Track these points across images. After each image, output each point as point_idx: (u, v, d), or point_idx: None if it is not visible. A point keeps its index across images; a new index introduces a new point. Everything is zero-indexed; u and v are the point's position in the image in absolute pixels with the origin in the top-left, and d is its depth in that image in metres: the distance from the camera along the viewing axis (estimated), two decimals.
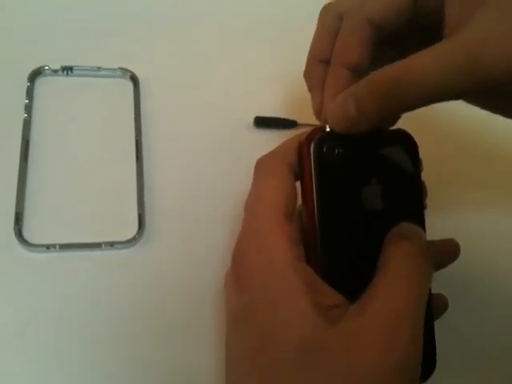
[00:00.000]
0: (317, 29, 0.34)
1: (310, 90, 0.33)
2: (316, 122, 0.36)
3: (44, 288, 0.37)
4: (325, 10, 0.34)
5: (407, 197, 0.30)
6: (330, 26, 0.33)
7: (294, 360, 0.24)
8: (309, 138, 0.29)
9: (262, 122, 0.46)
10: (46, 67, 0.45)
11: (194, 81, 0.47)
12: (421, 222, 0.30)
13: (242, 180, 0.42)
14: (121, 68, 0.46)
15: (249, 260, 0.27)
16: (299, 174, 0.29)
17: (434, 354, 0.30)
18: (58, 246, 0.37)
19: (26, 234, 0.38)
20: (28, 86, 0.44)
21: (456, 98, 0.28)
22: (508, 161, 0.48)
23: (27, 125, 0.42)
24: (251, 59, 0.49)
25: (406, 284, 0.26)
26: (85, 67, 0.45)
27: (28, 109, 0.43)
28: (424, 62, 0.27)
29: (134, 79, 0.46)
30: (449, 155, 0.47)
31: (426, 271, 0.27)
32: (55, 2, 0.49)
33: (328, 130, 0.29)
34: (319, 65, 0.33)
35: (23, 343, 0.35)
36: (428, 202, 0.32)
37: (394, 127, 0.31)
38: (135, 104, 0.45)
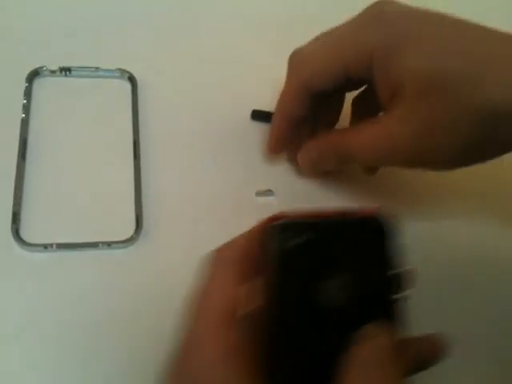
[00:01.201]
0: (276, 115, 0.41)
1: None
2: None
3: (41, 288, 0.37)
4: (290, 59, 0.39)
5: (374, 290, 0.27)
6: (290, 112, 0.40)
7: None
8: (267, 226, 0.26)
9: (259, 116, 0.46)
10: (44, 68, 0.45)
11: (192, 81, 0.47)
12: (392, 318, 0.27)
13: (240, 178, 0.43)
14: (119, 69, 0.46)
15: (182, 370, 0.26)
16: (254, 267, 0.27)
17: None
18: (55, 246, 0.37)
19: (24, 234, 0.38)
20: (26, 87, 0.44)
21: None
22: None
23: (25, 125, 0.42)
24: (249, 58, 0.49)
25: None
26: (83, 68, 0.45)
27: (26, 109, 0.43)
28: (360, 145, 0.36)
29: (132, 80, 0.46)
30: None
31: (398, 379, 0.25)
32: (54, 3, 0.49)
33: (287, 216, 0.27)
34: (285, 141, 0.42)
35: (20, 343, 0.35)
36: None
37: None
38: (133, 104, 0.45)
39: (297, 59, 0.38)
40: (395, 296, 0.27)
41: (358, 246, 0.27)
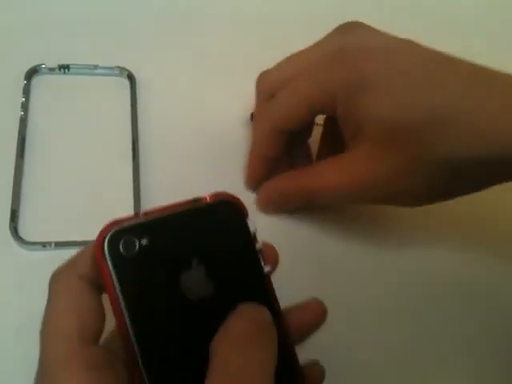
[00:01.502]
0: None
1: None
2: None
3: (40, 286, 0.36)
4: (258, 87, 0.40)
5: (239, 270, 0.26)
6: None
7: None
8: (101, 236, 0.25)
9: None
10: (43, 65, 0.45)
11: (191, 79, 0.47)
12: (263, 293, 0.27)
13: (239, 177, 0.43)
14: (118, 66, 0.46)
15: None
16: (102, 283, 0.25)
17: None
18: (53, 244, 0.37)
19: (22, 232, 0.38)
20: (24, 84, 0.44)
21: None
22: None
23: (23, 123, 0.42)
24: (249, 57, 0.49)
25: (237, 376, 0.23)
26: (81, 65, 0.45)
27: (24, 107, 0.43)
28: (322, 186, 0.36)
29: (131, 77, 0.46)
30: None
31: (264, 359, 0.24)
32: (52, 0, 0.49)
33: (121, 221, 0.25)
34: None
35: (19, 342, 0.34)
36: None
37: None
38: (132, 102, 0.44)
39: (264, 93, 0.39)
40: (261, 272, 0.27)
41: (212, 230, 0.26)
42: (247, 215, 0.27)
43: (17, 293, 0.36)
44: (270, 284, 0.27)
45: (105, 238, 0.25)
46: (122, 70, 0.46)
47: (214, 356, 0.23)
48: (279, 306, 0.28)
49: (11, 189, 0.39)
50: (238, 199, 0.27)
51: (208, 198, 0.27)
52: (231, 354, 0.23)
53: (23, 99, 0.43)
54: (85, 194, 0.40)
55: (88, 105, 0.44)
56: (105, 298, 0.26)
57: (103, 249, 0.24)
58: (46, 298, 0.35)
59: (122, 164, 0.42)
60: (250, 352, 0.23)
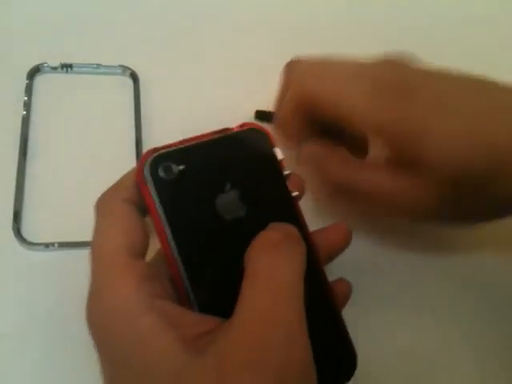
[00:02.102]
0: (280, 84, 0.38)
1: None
2: None
3: (43, 287, 0.36)
4: (286, 68, 0.38)
5: (270, 194, 0.28)
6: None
7: None
8: (142, 162, 0.27)
9: (262, 116, 0.45)
10: (46, 64, 0.44)
11: (195, 77, 0.47)
12: (292, 216, 0.28)
13: None
14: (121, 65, 0.45)
15: (97, 315, 0.25)
16: (145, 205, 0.27)
17: (350, 348, 0.28)
18: (56, 245, 0.37)
19: (25, 233, 0.37)
20: (27, 84, 0.43)
21: None
22: None
23: (26, 122, 0.42)
24: (252, 55, 0.49)
25: (270, 281, 0.24)
26: (84, 64, 0.45)
27: (27, 106, 0.42)
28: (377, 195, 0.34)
29: (134, 76, 0.45)
30: None
31: (294, 260, 0.25)
32: None
33: (160, 148, 0.27)
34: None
35: (21, 342, 0.34)
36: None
37: None
38: (135, 101, 0.44)
39: (293, 86, 0.37)
40: (289, 196, 0.29)
41: (244, 155, 0.28)
42: (274, 143, 0.29)
43: (20, 293, 0.36)
44: (298, 208, 0.29)
45: (145, 163, 0.26)
46: (125, 68, 0.45)
47: (246, 265, 0.25)
48: (307, 228, 0.29)
49: (14, 189, 0.38)
50: (266, 129, 0.29)
51: (235, 128, 0.29)
52: (259, 261, 0.25)
53: (25, 98, 0.43)
54: (88, 194, 0.39)
55: (91, 104, 0.44)
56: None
57: (144, 173, 0.26)
58: (48, 297, 0.36)
59: (126, 163, 0.41)
60: (277, 257, 0.25)
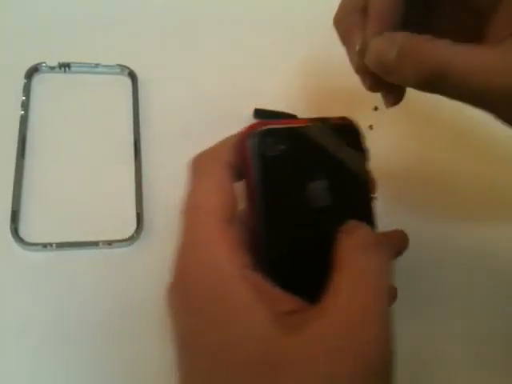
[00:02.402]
0: None
1: (343, 36, 0.32)
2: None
3: (41, 287, 0.36)
4: None
5: (354, 189, 0.29)
6: None
7: (253, 379, 0.23)
8: (248, 133, 0.27)
9: (261, 115, 0.45)
10: (44, 64, 0.44)
11: (193, 76, 0.47)
12: (369, 215, 0.29)
13: None
14: (119, 64, 0.45)
15: (191, 277, 0.25)
16: (240, 173, 0.28)
17: None
18: (54, 245, 0.37)
19: (23, 233, 0.37)
20: (25, 83, 0.43)
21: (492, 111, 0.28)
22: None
23: (24, 122, 0.41)
24: (251, 54, 0.48)
25: (367, 278, 0.25)
26: (82, 64, 0.45)
27: (25, 106, 0.42)
28: (468, 62, 0.26)
29: (133, 76, 0.45)
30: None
31: (384, 261, 0.26)
32: None
33: (266, 123, 0.27)
34: (354, 13, 0.31)
35: (20, 343, 0.34)
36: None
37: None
38: (133, 101, 0.44)
39: None
40: (370, 195, 0.30)
41: (335, 147, 0.28)
42: (365, 142, 0.29)
43: (17, 294, 0.36)
44: (373, 208, 0.30)
45: (253, 133, 0.27)
46: (123, 68, 0.45)
47: (341, 258, 0.26)
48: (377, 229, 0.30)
49: (11, 189, 0.38)
50: (357, 126, 0.29)
51: (334, 120, 0.29)
52: (356, 257, 0.26)
53: (24, 98, 0.42)
54: (86, 194, 0.40)
55: (89, 103, 0.44)
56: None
57: (250, 143, 0.27)
58: (46, 298, 0.36)
59: (124, 163, 0.41)
60: (375, 258, 0.26)
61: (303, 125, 0.29)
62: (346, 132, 0.29)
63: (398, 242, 0.32)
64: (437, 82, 0.27)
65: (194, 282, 0.25)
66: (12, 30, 0.46)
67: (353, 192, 0.29)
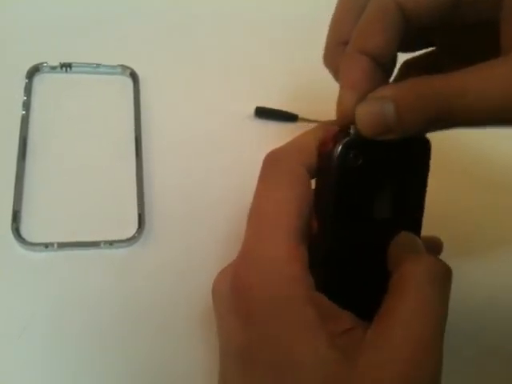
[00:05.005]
0: (338, 5, 0.29)
1: (336, 75, 0.29)
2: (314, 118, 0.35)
3: (42, 287, 0.36)
4: None
5: (413, 203, 0.29)
6: (353, 3, 0.28)
7: None
8: (335, 139, 0.26)
9: (262, 113, 0.45)
10: (45, 64, 0.44)
11: (195, 76, 0.47)
12: (419, 230, 0.29)
13: (244, 176, 0.41)
14: (120, 65, 0.45)
15: (258, 290, 0.24)
16: (316, 176, 0.27)
17: None
18: (56, 245, 0.37)
19: (24, 233, 0.37)
20: (26, 83, 0.43)
21: None
22: None
23: (25, 122, 0.41)
24: (252, 54, 0.48)
25: (430, 311, 0.24)
26: (84, 64, 0.45)
27: (26, 106, 0.42)
28: (478, 84, 0.23)
29: (134, 76, 0.45)
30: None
31: (447, 293, 0.25)
32: None
33: (352, 131, 0.26)
34: (341, 48, 0.28)
35: (21, 342, 0.34)
36: None
37: None
38: (135, 101, 0.44)
39: None
40: (422, 211, 0.29)
41: (405, 161, 0.28)
42: (431, 155, 0.29)
43: (19, 294, 0.36)
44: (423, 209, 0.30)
45: (339, 141, 0.26)
46: (124, 68, 0.45)
47: (406, 282, 0.25)
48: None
49: (13, 189, 0.38)
50: (427, 139, 0.28)
51: None
52: (427, 285, 0.24)
53: (25, 98, 0.42)
54: (87, 194, 0.40)
55: (90, 103, 0.44)
56: None
57: (335, 150, 0.26)
58: (48, 298, 0.36)
59: (125, 163, 0.41)
60: (444, 290, 0.25)
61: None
62: (417, 144, 0.28)
63: (432, 250, 0.31)
64: (451, 113, 0.24)
65: (258, 297, 0.24)
66: (13, 30, 0.46)
67: (412, 204, 0.29)
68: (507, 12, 0.25)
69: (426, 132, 0.27)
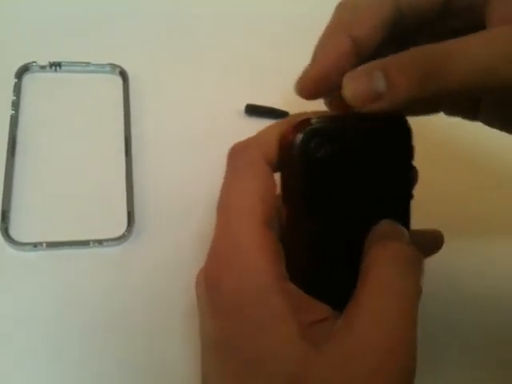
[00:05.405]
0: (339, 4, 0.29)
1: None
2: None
3: (32, 287, 0.36)
4: None
5: (395, 189, 0.28)
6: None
7: None
8: (295, 130, 0.25)
9: (253, 110, 0.45)
10: (34, 63, 0.44)
11: (184, 74, 0.46)
12: (406, 216, 0.28)
13: None
14: (110, 63, 0.45)
15: (226, 282, 0.24)
16: (279, 168, 0.26)
17: None
18: (45, 245, 0.37)
19: (13, 233, 0.37)
20: (15, 83, 0.43)
21: (502, 88, 0.25)
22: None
23: (14, 121, 0.41)
24: (242, 52, 0.48)
25: (395, 297, 0.24)
26: (73, 63, 0.45)
27: (15, 105, 0.42)
28: (463, 46, 0.24)
29: (124, 74, 0.45)
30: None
31: (415, 278, 0.25)
32: None
33: (314, 120, 0.25)
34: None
35: (11, 342, 0.34)
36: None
37: None
38: (124, 99, 0.44)
39: None
40: (410, 194, 0.28)
41: (382, 146, 0.27)
42: (411, 134, 0.27)
43: (8, 294, 0.35)
44: (410, 207, 0.29)
45: (301, 131, 0.25)
46: (114, 66, 0.45)
47: (373, 269, 0.24)
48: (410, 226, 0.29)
49: (2, 188, 0.38)
50: (406, 121, 0.27)
51: (381, 114, 0.27)
52: (391, 271, 0.24)
53: (14, 98, 0.42)
54: (77, 193, 0.40)
55: (80, 102, 0.44)
56: None
57: (295, 140, 0.25)
58: (37, 298, 0.35)
59: (115, 161, 0.41)
60: (409, 276, 0.24)
61: (350, 123, 0.26)
62: (394, 128, 0.27)
63: (432, 244, 0.31)
64: (439, 75, 0.24)
65: (226, 289, 0.24)
66: (2, 30, 0.46)
67: (394, 191, 0.28)
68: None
69: (417, 100, 0.25)
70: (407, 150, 0.27)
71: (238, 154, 0.26)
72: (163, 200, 0.40)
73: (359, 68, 0.25)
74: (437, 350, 0.37)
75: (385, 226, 0.27)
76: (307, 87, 0.28)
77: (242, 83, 0.46)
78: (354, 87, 0.25)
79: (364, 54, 0.27)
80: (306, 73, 0.27)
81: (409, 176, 0.28)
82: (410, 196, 0.28)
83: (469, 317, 0.39)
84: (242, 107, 0.45)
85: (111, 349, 0.35)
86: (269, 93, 0.46)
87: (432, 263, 0.40)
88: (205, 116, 0.44)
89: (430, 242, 0.31)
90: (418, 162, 0.28)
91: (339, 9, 0.29)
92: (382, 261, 0.25)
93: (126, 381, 0.34)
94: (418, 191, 0.29)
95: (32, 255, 0.37)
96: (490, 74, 0.24)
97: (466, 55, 0.24)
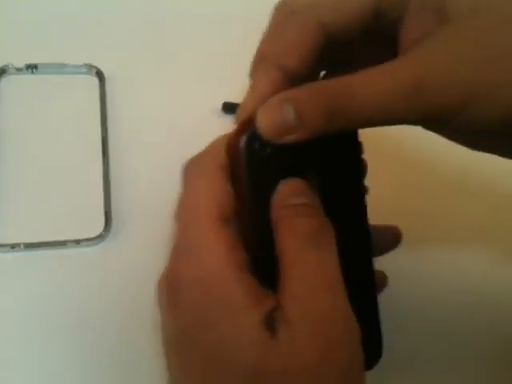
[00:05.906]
0: (269, 25, 0.29)
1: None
2: None
3: (9, 288, 0.36)
4: (280, 5, 0.30)
5: (344, 184, 0.28)
6: (282, 23, 0.28)
7: None
8: (238, 135, 0.26)
9: (230, 108, 0.45)
10: (10, 66, 0.44)
11: (161, 74, 0.46)
12: (361, 210, 0.29)
13: None
14: (86, 64, 0.45)
15: (184, 277, 0.25)
16: (230, 174, 0.27)
17: (379, 339, 0.29)
18: (23, 245, 0.37)
19: None
20: None
21: (403, 123, 0.26)
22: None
23: None
24: (219, 50, 0.48)
25: (319, 277, 0.24)
26: (49, 64, 0.45)
27: None
28: (365, 83, 0.25)
29: (100, 75, 0.45)
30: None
31: (332, 248, 0.25)
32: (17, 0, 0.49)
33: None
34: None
35: None
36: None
37: None
38: (101, 100, 0.44)
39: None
40: (363, 188, 0.29)
41: (331, 151, 0.27)
42: (361, 145, 0.29)
43: None
44: (365, 200, 0.29)
45: (244, 135, 0.26)
46: (90, 67, 0.45)
47: (288, 250, 0.25)
48: (368, 225, 0.30)
49: None
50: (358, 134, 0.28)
51: None
52: (306, 252, 0.25)
53: None
54: (54, 194, 0.40)
55: (57, 104, 0.44)
56: None
57: (240, 145, 0.26)
58: (15, 299, 0.36)
59: (92, 162, 0.41)
60: (321, 246, 0.25)
61: None
62: (345, 136, 0.28)
63: (386, 240, 0.32)
64: (343, 111, 0.25)
65: (185, 285, 0.25)
66: None
67: (344, 188, 0.28)
68: (407, 17, 0.27)
69: (330, 131, 0.25)
70: (354, 143, 0.28)
71: (190, 166, 0.27)
72: (140, 200, 0.41)
73: (271, 100, 0.25)
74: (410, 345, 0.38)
75: (285, 189, 0.26)
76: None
77: (218, 82, 0.46)
78: (266, 122, 0.25)
79: (298, 77, 0.27)
80: (244, 106, 0.28)
81: (359, 168, 0.29)
82: (363, 189, 0.29)
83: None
84: (219, 105, 0.45)
85: (89, 349, 0.35)
86: (245, 91, 0.46)
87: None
88: (182, 115, 0.45)
89: (389, 238, 0.32)
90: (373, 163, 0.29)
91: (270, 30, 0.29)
92: (292, 240, 0.25)
93: (104, 380, 0.35)
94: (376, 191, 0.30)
95: (10, 256, 0.37)
96: (386, 112, 0.25)
97: (367, 91, 0.25)
